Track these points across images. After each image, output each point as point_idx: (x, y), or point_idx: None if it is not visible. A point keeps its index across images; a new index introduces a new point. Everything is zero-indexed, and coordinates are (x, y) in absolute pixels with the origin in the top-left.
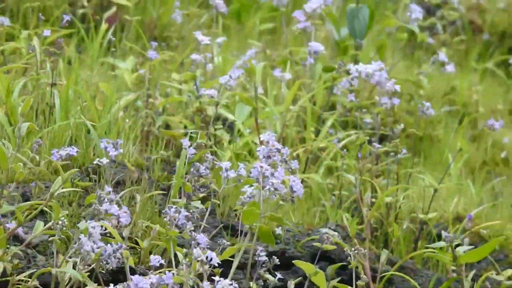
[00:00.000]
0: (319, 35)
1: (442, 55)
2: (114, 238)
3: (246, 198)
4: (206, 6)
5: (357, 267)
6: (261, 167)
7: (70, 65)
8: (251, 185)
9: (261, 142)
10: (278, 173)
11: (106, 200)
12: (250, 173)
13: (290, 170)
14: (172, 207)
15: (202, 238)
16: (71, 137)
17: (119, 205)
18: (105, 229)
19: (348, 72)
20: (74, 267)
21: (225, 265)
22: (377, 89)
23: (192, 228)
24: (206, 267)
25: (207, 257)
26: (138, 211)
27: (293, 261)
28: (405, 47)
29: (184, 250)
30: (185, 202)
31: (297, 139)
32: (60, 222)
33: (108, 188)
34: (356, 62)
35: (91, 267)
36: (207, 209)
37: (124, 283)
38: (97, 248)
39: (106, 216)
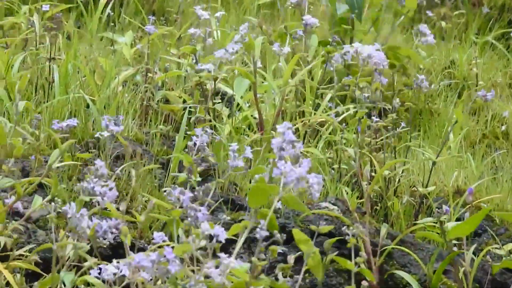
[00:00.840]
0: (317, 10)
1: (423, 27)
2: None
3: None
4: None
5: (357, 241)
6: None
7: (69, 40)
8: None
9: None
10: (301, 168)
11: (95, 176)
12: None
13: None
14: (176, 187)
15: (203, 212)
16: (70, 112)
17: (105, 180)
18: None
19: (345, 53)
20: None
21: (226, 239)
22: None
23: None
24: (203, 242)
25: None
26: (134, 186)
27: (292, 231)
28: (403, 20)
29: (185, 222)
30: (186, 176)
31: (295, 113)
32: (53, 203)
33: (100, 163)
34: (352, 35)
35: (90, 243)
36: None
37: (125, 259)
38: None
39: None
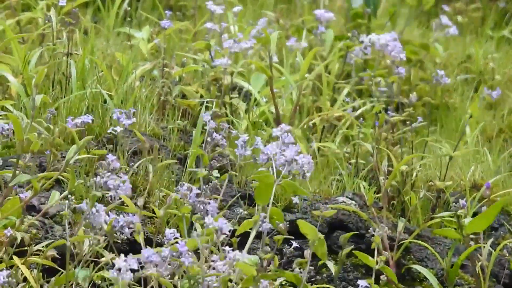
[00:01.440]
0: (333, 4)
1: (445, 18)
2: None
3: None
4: None
5: (373, 236)
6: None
7: (86, 35)
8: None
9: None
10: (289, 150)
11: (108, 170)
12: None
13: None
14: (184, 184)
15: (212, 206)
16: (88, 107)
17: (117, 173)
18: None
19: (362, 42)
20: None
21: (242, 234)
22: (387, 57)
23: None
24: (223, 236)
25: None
26: (151, 181)
27: (297, 222)
28: (420, 14)
29: (195, 216)
30: (203, 172)
31: (313, 108)
32: (67, 201)
33: (111, 157)
34: (369, 30)
35: (107, 239)
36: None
37: (136, 255)
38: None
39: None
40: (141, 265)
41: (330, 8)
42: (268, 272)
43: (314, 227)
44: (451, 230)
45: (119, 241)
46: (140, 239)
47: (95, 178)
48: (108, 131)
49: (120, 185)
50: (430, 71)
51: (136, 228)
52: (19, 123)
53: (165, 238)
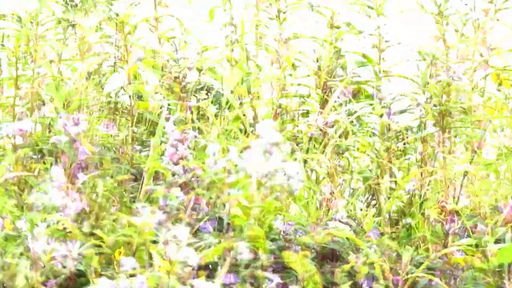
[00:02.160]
0: None
1: None
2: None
3: None
4: None
5: (374, 268)
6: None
7: (20, 22)
8: None
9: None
10: (273, 158)
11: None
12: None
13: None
14: (145, 206)
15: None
16: (22, 111)
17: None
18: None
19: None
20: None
21: (214, 266)
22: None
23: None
24: (189, 269)
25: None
26: (100, 201)
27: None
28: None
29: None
30: (163, 190)
31: (298, 111)
32: None
33: (57, 171)
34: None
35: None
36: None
37: None
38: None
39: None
40: None
41: None
42: None
43: (304, 256)
44: (476, 259)
45: (62, 275)
46: (88, 271)
47: (36, 195)
48: (50, 141)
49: (67, 204)
50: (443, 66)
51: (85, 257)
52: None
53: (121, 268)
